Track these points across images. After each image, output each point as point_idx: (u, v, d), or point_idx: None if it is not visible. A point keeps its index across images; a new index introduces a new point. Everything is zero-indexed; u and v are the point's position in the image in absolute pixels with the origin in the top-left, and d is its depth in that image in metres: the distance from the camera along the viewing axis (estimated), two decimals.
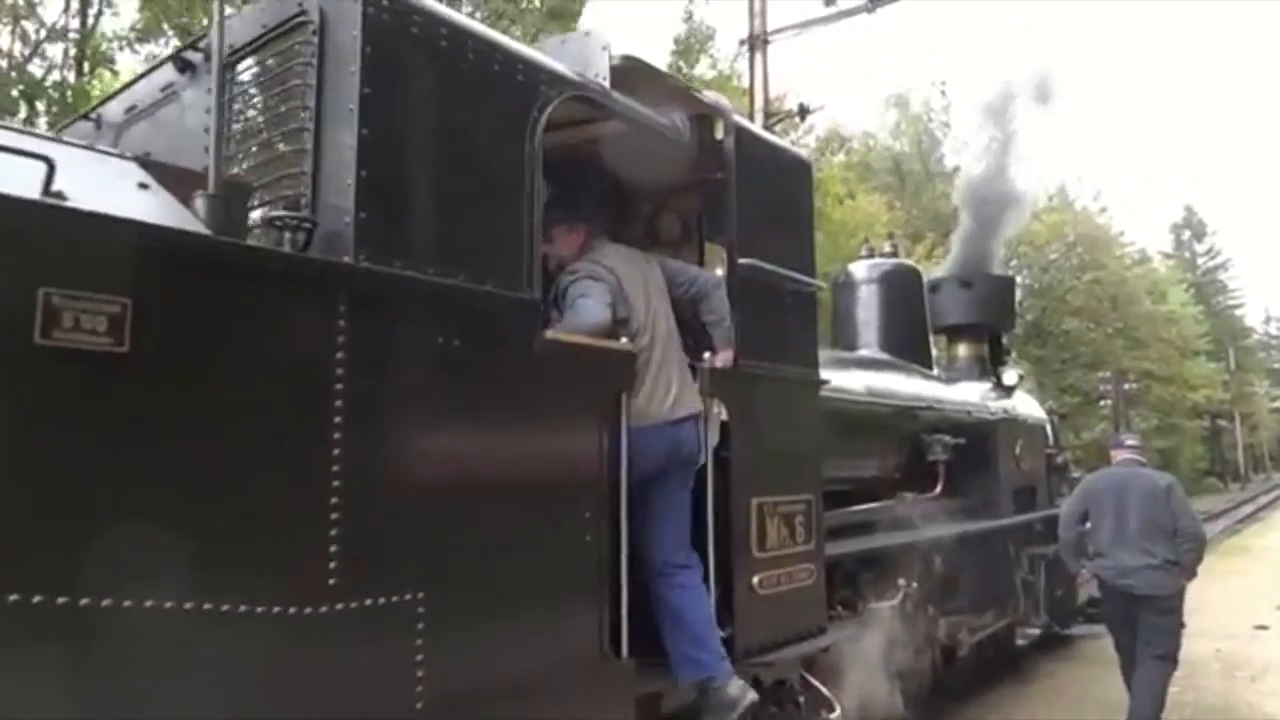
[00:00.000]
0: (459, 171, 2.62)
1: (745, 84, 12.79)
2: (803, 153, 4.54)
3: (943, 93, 36.23)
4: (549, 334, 2.81)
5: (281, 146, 2.54)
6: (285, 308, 2.20)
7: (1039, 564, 7.66)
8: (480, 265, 2.62)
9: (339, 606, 2.19)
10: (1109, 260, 36.59)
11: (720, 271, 3.69)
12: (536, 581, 2.73)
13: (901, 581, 5.23)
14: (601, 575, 2.94)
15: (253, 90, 2.74)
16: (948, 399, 7.18)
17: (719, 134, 3.74)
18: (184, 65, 2.97)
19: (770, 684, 3.76)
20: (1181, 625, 5.54)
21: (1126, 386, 33.19)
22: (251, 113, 2.74)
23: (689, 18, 17.63)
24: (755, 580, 3.63)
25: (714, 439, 3.44)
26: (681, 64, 17.45)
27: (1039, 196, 37.41)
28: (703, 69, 19.75)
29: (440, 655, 2.40)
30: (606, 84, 3.23)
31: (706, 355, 3.57)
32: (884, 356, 7.51)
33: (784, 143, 4.29)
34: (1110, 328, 36.17)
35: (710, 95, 3.80)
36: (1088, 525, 5.71)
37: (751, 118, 11.33)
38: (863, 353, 7.55)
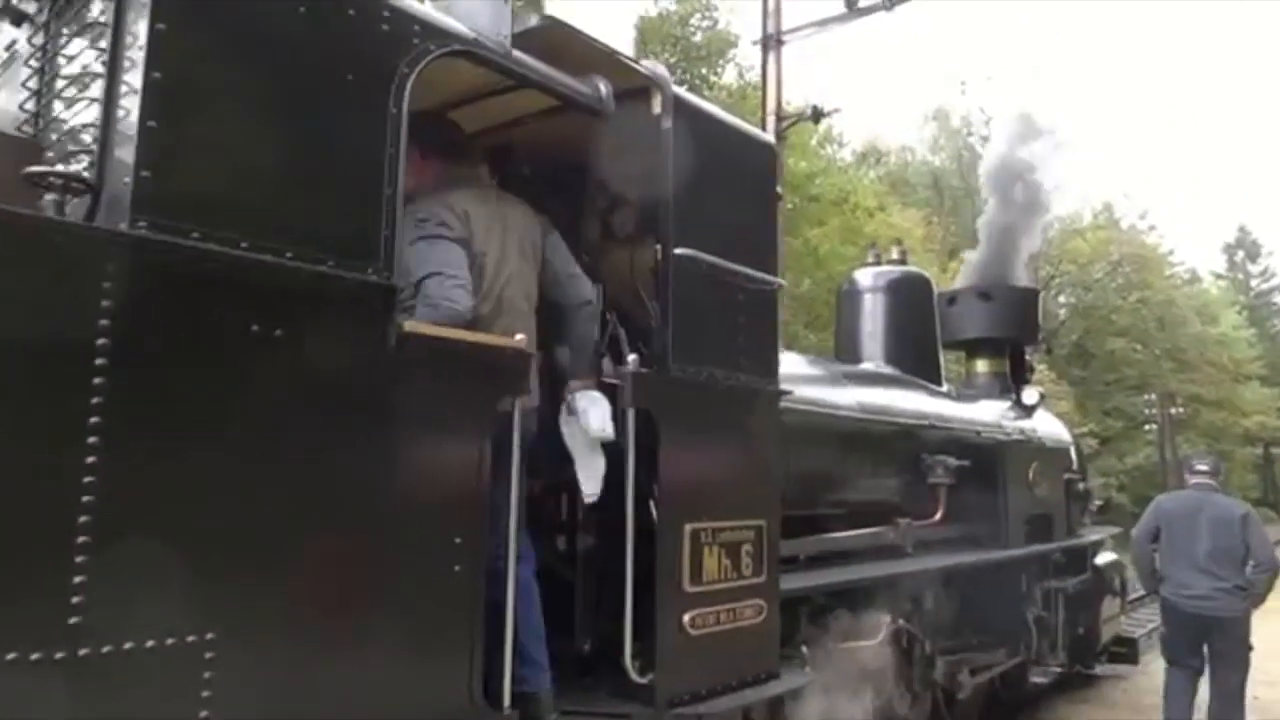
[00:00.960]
0: (288, 128, 2.21)
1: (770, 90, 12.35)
2: (763, 133, 4.07)
3: (963, 93, 35.45)
4: (408, 326, 2.38)
5: (81, 95, 2.15)
6: (30, 285, 1.80)
7: (1056, 598, 7.04)
8: (315, 241, 2.20)
9: (83, 652, 1.77)
10: (1156, 280, 35.39)
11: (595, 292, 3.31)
12: (380, 620, 2.29)
13: (885, 618, 4.70)
14: (474, 610, 2.49)
15: (73, 37, 2.36)
16: (954, 417, 6.62)
17: (655, 108, 3.29)
18: (18, 18, 2.61)
19: None
20: (1250, 647, 5.62)
21: (1173, 410, 31.97)
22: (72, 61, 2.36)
23: (705, 22, 17.17)
24: (686, 619, 3.16)
25: (604, 425, 3.01)
26: (704, 70, 17.04)
27: (1083, 214, 36.55)
28: (729, 78, 19.37)
29: (234, 710, 1.97)
30: (507, 43, 2.81)
31: (631, 358, 3.12)
32: (888, 370, 6.99)
33: (738, 121, 3.83)
34: (1157, 349, 34.93)
35: (648, 65, 3.36)
36: (1157, 545, 5.85)
37: (764, 120, 10.87)
38: (865, 366, 7.03)
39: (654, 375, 3.13)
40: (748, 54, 18.53)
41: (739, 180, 3.67)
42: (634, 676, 3.03)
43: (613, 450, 3.10)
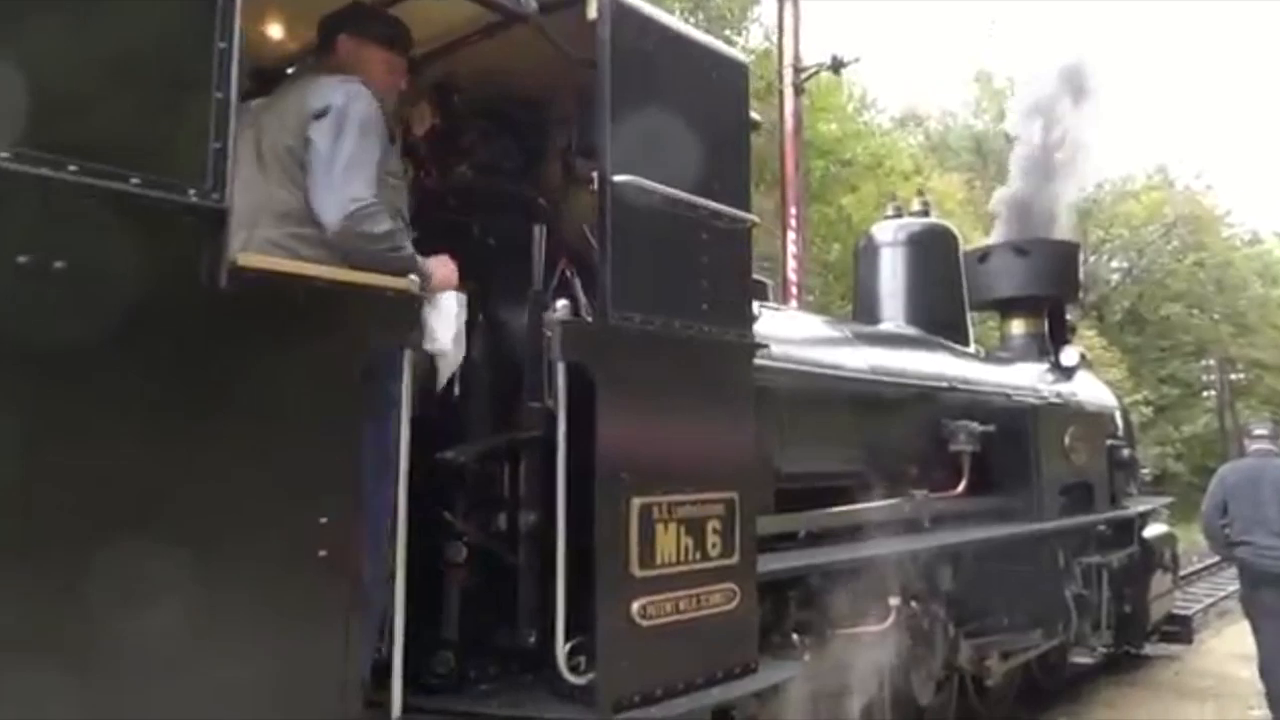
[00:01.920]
0: (79, 10, 1.78)
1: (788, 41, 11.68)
2: (736, 53, 3.55)
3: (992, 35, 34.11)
4: (243, 260, 1.94)
5: None
6: None
7: (1098, 575, 6.47)
8: (113, 153, 1.77)
9: None
10: (1213, 241, 33.83)
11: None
12: (224, 620, 1.88)
13: (894, 600, 4.21)
14: (350, 602, 2.08)
15: None
16: (980, 380, 6.06)
17: (591, 12, 2.81)
18: None
19: None
20: None
21: (1233, 376, 30.61)
22: None
23: None
24: (635, 607, 2.71)
25: (443, 339, 2.47)
26: (728, 32, 16.39)
27: (1136, 176, 34.97)
28: (755, 40, 18.67)
29: None
30: None
31: (560, 303, 2.67)
32: (908, 331, 6.43)
33: (705, 37, 3.32)
34: (1215, 313, 33.44)
35: None
36: (1227, 518, 5.77)
37: (781, 70, 10.27)
38: (884, 327, 6.48)
39: (587, 324, 2.67)
40: (771, 14, 17.82)
41: (703, 103, 3.17)
42: (568, 676, 2.60)
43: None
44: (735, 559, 3.05)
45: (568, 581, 2.65)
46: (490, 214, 3.43)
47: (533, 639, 2.97)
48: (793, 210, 10.25)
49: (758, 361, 4.18)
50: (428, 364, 3.20)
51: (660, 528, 2.80)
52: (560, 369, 2.61)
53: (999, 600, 5.86)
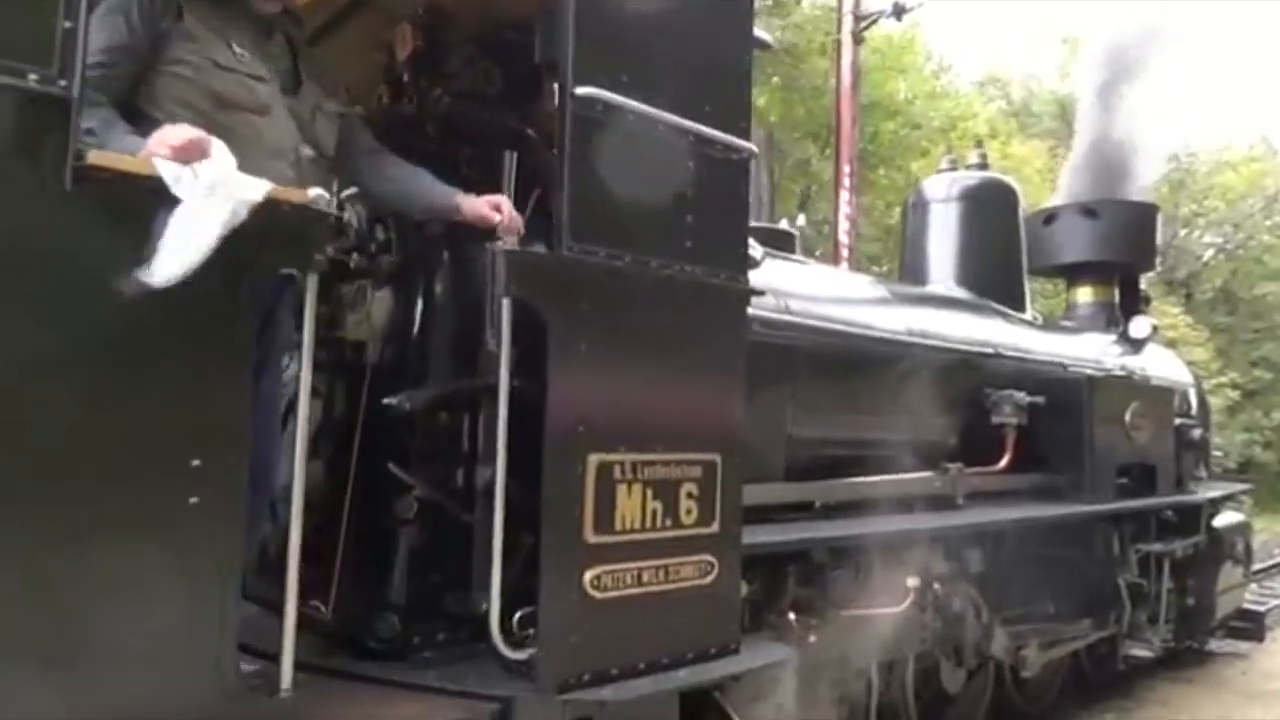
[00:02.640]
0: None
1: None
2: None
3: None
4: (93, 156, 1.68)
5: None
6: None
7: (1157, 564, 5.95)
8: None
9: None
10: None
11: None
12: (63, 579, 1.64)
13: (913, 581, 3.83)
14: (228, 558, 1.83)
15: None
16: (1032, 348, 5.57)
17: None
18: None
19: None
20: None
21: None
22: None
23: None
24: (587, 577, 2.42)
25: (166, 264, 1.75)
26: None
27: (1236, 145, 32.81)
28: None
29: None
30: None
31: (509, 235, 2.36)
32: (958, 294, 5.95)
33: None
34: None
35: None
36: None
37: (840, 19, 9.70)
38: (931, 288, 6.01)
39: (536, 256, 2.36)
40: None
41: (696, 11, 2.80)
42: (505, 650, 2.32)
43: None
44: (714, 528, 2.72)
45: (508, 544, 2.38)
46: (471, 144, 3.15)
47: (486, 605, 2.70)
48: (846, 169, 9.71)
49: (772, 316, 3.86)
50: (388, 300, 2.96)
51: (622, 489, 2.49)
52: (505, 307, 2.31)
53: (1042, 587, 5.41)
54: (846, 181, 9.71)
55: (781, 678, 3.33)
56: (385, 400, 2.62)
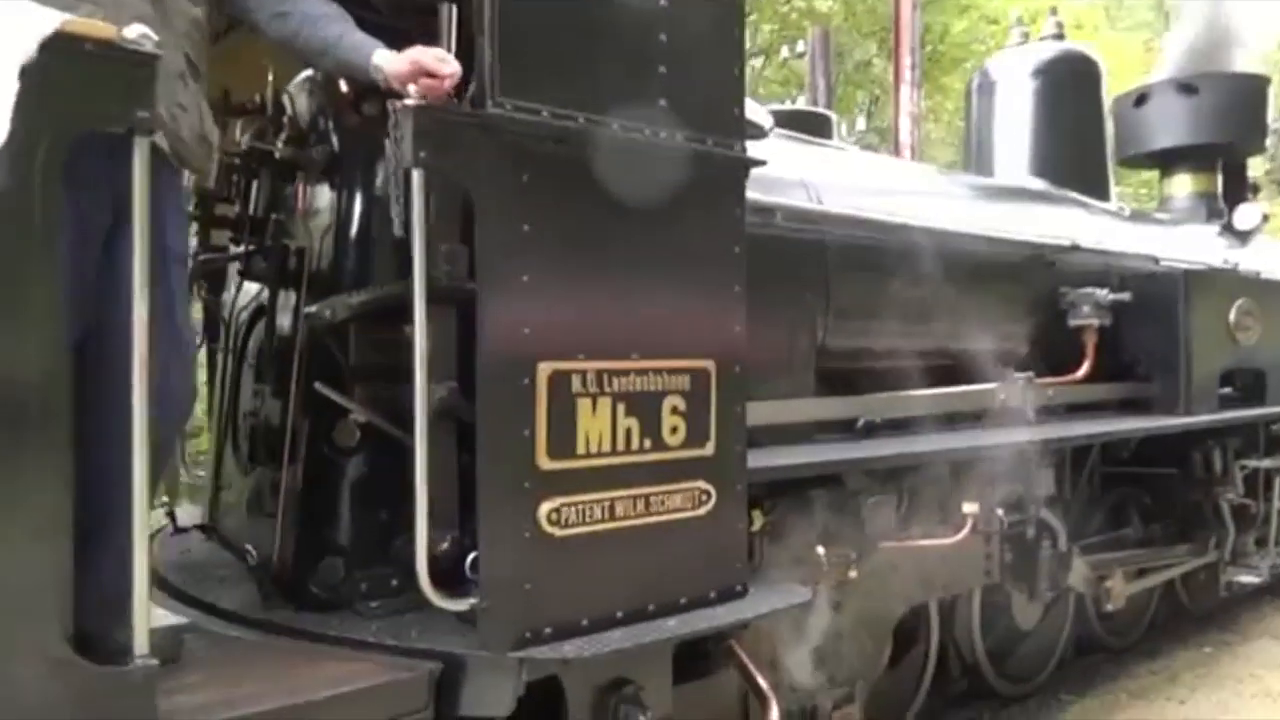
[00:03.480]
0: None
1: None
2: None
3: None
4: None
5: None
6: None
7: (1267, 481, 5.26)
8: None
9: None
10: None
11: None
12: None
13: (970, 508, 3.31)
14: (50, 493, 1.45)
15: None
16: (1118, 241, 4.86)
17: None
18: None
19: (596, 689, 2.12)
20: None
21: None
22: None
23: None
24: (543, 511, 1.99)
25: None
26: None
27: None
28: None
29: None
30: None
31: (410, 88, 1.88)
32: (1031, 184, 5.23)
33: None
34: None
35: None
36: None
37: None
38: (998, 179, 5.31)
39: (457, 113, 1.88)
40: None
41: None
42: (436, 599, 1.92)
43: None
44: (708, 450, 2.26)
45: (432, 471, 1.96)
46: None
47: (445, 545, 2.30)
48: (907, 60, 8.86)
49: (800, 206, 3.31)
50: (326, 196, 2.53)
51: (584, 405, 2.04)
52: (415, 180, 1.84)
53: (1129, 510, 4.82)
54: (908, 75, 8.87)
55: (813, 621, 2.91)
56: (305, 310, 2.20)
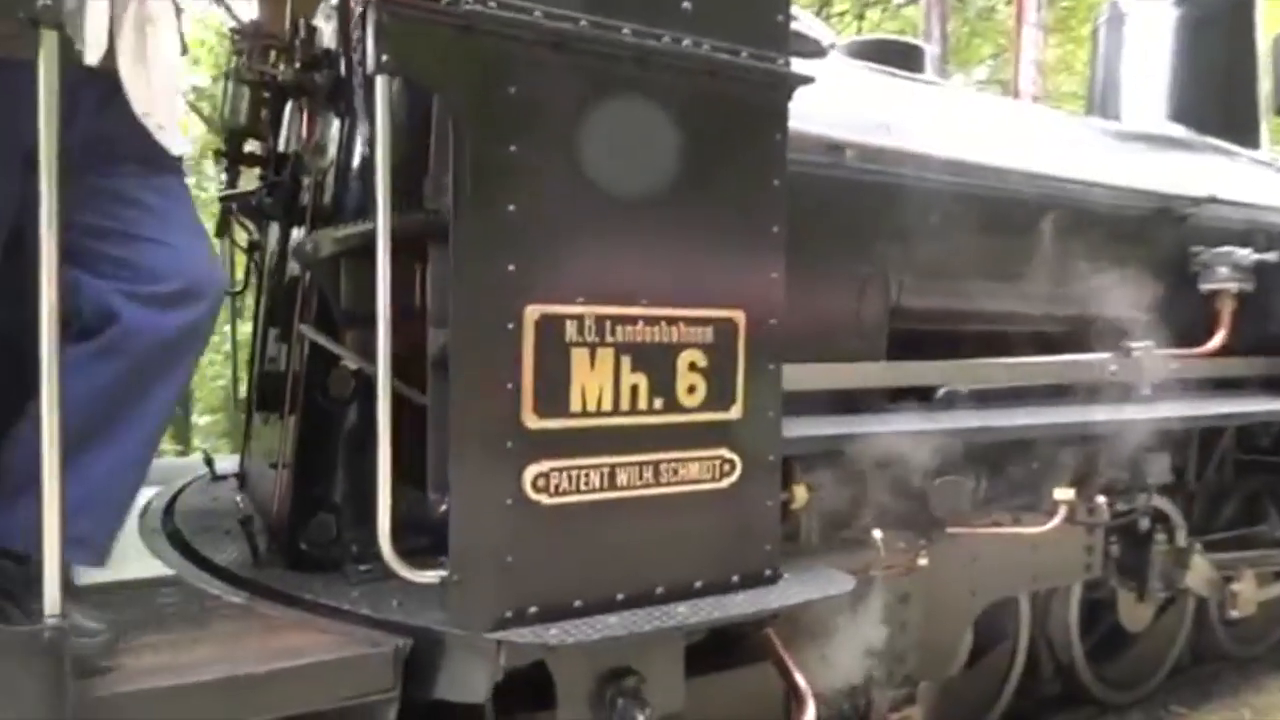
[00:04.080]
0: None
1: None
2: None
3: None
4: None
5: None
6: None
7: None
8: None
9: None
10: None
11: None
12: None
13: (1064, 494, 2.88)
14: None
15: None
16: (1267, 194, 4.21)
17: None
18: None
19: (593, 678, 1.87)
20: None
21: None
22: None
23: None
24: (529, 475, 1.74)
25: None
26: None
27: None
28: None
29: None
30: None
31: None
32: (1165, 129, 4.61)
33: None
34: None
35: None
36: None
37: None
38: (1125, 123, 4.70)
39: (429, 9, 1.62)
40: None
41: None
42: (398, 568, 1.71)
43: None
44: (733, 413, 1.96)
45: (435, 424, 1.74)
46: None
47: (446, 506, 2.09)
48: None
49: (871, 143, 2.91)
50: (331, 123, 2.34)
51: (580, 357, 1.77)
52: (379, 88, 1.60)
53: (1265, 504, 4.23)
54: (1032, 16, 8.09)
55: (868, 610, 2.58)
56: (293, 246, 2.01)
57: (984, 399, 3.09)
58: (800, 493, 2.30)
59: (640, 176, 1.83)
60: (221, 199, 2.75)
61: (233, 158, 2.80)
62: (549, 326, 1.73)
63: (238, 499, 2.30)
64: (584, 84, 1.75)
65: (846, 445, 2.35)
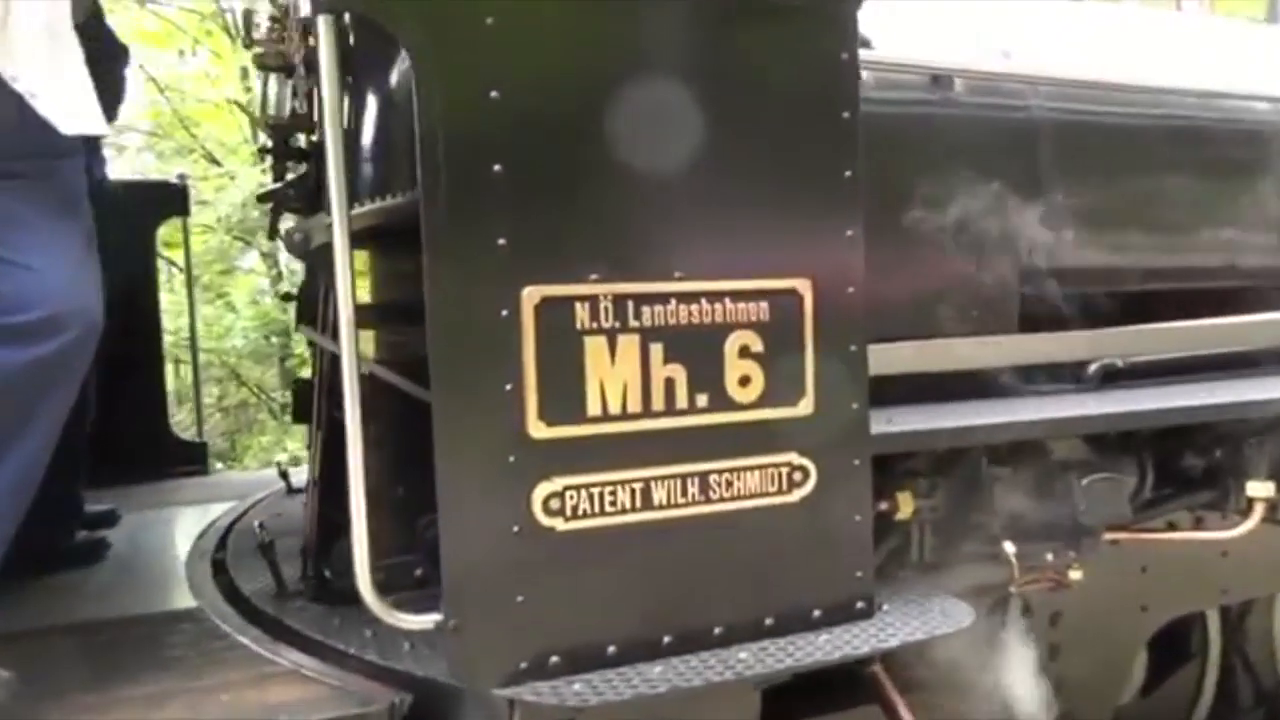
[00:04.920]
0: None
1: None
2: None
3: None
4: None
5: None
6: None
7: None
8: None
9: None
10: None
11: None
12: None
13: (1262, 490, 2.30)
14: None
15: None
16: None
17: None
18: None
19: None
20: None
21: None
22: None
23: None
24: (538, 496, 1.41)
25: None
26: None
27: None
28: None
29: None
30: None
31: None
32: None
33: None
34: None
35: None
36: None
37: None
38: None
39: None
40: None
41: None
42: (380, 613, 1.42)
43: None
44: (802, 409, 1.56)
45: (415, 435, 1.45)
46: None
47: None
48: None
49: (994, 69, 2.42)
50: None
51: (597, 346, 1.43)
52: (322, 29, 1.31)
53: None
54: None
55: (1004, 638, 2.13)
56: (282, 232, 1.77)
57: (1146, 375, 2.53)
58: (905, 501, 1.88)
59: (665, 116, 1.47)
60: (259, 199, 2.57)
61: (278, 153, 2.62)
62: (554, 311, 1.40)
63: (255, 524, 2.10)
64: (579, 4, 1.40)
65: (963, 439, 1.90)
